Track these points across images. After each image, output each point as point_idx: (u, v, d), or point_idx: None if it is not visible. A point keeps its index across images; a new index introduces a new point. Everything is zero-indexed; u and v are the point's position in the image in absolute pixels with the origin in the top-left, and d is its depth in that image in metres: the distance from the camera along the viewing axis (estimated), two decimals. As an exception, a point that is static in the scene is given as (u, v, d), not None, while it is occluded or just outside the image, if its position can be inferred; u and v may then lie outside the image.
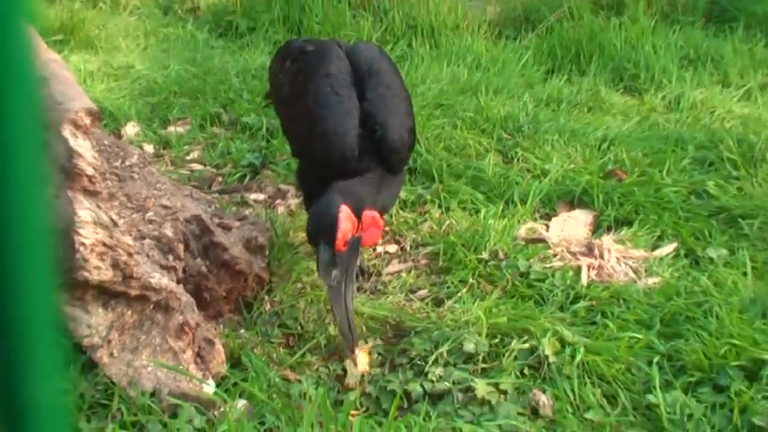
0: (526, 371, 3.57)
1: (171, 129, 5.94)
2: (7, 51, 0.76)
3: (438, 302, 4.11)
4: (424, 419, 3.25)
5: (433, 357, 3.61)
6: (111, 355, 3.37)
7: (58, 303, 0.78)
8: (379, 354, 3.75)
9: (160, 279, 3.45)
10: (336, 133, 3.85)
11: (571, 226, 4.70)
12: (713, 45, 7.48)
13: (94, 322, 3.36)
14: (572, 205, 4.90)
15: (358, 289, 4.19)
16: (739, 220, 4.64)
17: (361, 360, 3.70)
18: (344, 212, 3.55)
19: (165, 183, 4.05)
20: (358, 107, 3.93)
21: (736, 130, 5.61)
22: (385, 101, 3.97)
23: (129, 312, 3.41)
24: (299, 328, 3.86)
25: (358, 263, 4.13)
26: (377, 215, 3.73)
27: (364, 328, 3.90)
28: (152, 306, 3.44)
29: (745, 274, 4.13)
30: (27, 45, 0.76)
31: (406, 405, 3.47)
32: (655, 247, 4.50)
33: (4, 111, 0.77)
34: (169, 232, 3.69)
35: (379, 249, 4.47)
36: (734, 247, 4.43)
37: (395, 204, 4.52)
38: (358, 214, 3.61)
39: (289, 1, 8.28)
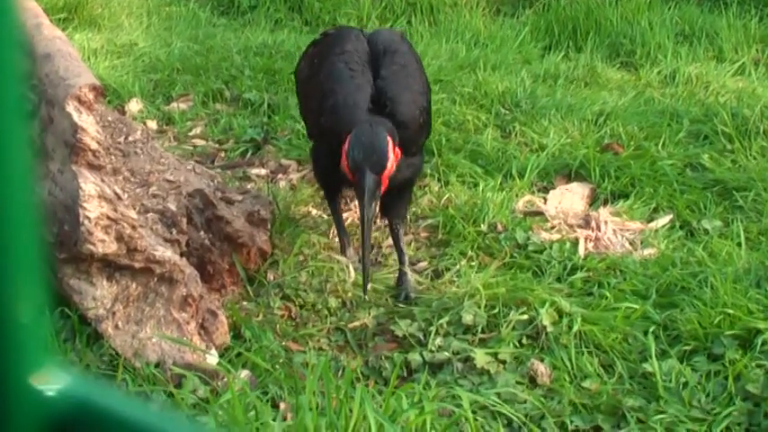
0: (524, 341, 3.58)
1: (174, 105, 5.93)
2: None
3: (437, 274, 4.11)
4: (424, 388, 3.25)
5: (432, 328, 3.61)
6: (116, 326, 3.38)
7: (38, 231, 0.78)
8: (379, 324, 3.76)
9: (164, 252, 3.45)
10: (346, 106, 3.79)
11: (568, 199, 4.69)
12: (708, 21, 7.44)
13: (99, 294, 3.37)
14: (569, 178, 4.89)
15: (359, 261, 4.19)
16: (733, 192, 4.64)
17: None
18: (390, 143, 3.52)
19: (168, 158, 4.05)
20: (371, 84, 3.85)
21: (730, 104, 5.60)
22: (398, 78, 3.91)
23: (134, 285, 3.42)
24: (300, 299, 3.86)
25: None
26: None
27: (366, 298, 3.90)
28: (156, 279, 3.44)
29: (739, 244, 4.13)
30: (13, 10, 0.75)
31: (406, 375, 3.48)
32: (650, 219, 4.50)
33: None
34: (172, 206, 3.69)
35: (380, 223, 4.47)
36: (728, 219, 4.43)
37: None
38: (394, 146, 3.57)
39: (290, -21, 8.25)
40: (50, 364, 0.80)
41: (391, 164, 3.51)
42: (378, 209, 3.70)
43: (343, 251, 4.14)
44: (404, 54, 4.06)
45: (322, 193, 4.42)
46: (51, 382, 0.80)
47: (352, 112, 3.75)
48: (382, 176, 3.50)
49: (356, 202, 4.01)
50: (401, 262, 4.01)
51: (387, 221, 4.12)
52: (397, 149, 3.59)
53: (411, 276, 3.99)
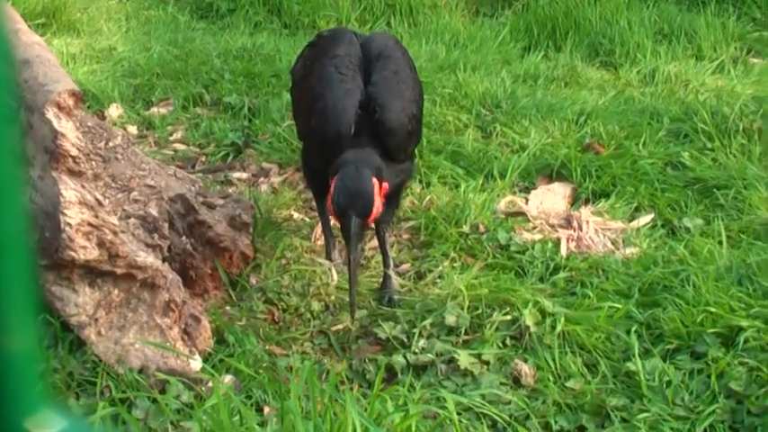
0: (508, 341, 3.59)
1: (154, 110, 5.92)
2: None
3: (420, 276, 4.12)
4: (409, 390, 3.25)
5: (416, 330, 3.62)
6: (99, 333, 3.37)
7: (31, 263, 0.77)
8: (362, 327, 3.76)
9: (146, 257, 3.44)
10: (334, 110, 3.77)
11: (550, 199, 4.70)
12: (687, 19, 7.47)
13: (81, 301, 3.36)
14: (551, 178, 4.91)
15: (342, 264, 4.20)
16: (714, 190, 4.66)
17: None
18: (376, 187, 3.50)
19: (149, 163, 4.04)
20: (362, 89, 3.83)
21: (710, 102, 5.62)
22: (389, 84, 3.88)
23: (116, 291, 3.41)
24: (283, 303, 3.86)
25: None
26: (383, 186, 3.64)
27: (348, 300, 3.91)
28: (138, 284, 3.43)
29: (720, 242, 4.14)
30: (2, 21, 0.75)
31: (390, 377, 3.48)
32: (632, 218, 4.52)
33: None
34: (154, 211, 3.68)
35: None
36: (709, 217, 4.45)
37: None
38: (380, 186, 3.54)
39: (269, -18, 8.25)
40: (47, 408, 0.79)
41: (377, 208, 3.51)
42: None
43: (328, 253, 4.15)
44: (396, 60, 4.04)
45: (309, 194, 4.42)
46: (47, 426, 0.79)
47: (340, 117, 3.74)
48: (368, 220, 3.51)
49: None
50: (386, 265, 4.01)
51: (373, 225, 4.12)
52: (384, 185, 3.58)
53: (395, 279, 3.99)
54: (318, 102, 3.85)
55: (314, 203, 4.57)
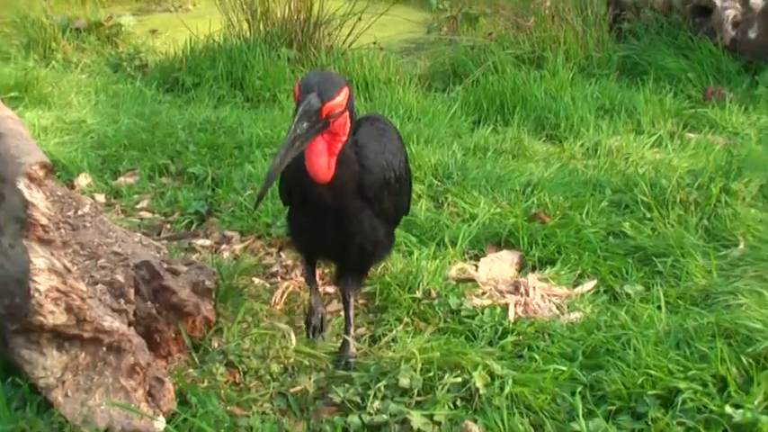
0: (458, 403, 3.58)
1: (121, 179, 5.93)
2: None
3: (375, 339, 4.12)
4: (364, 450, 3.25)
5: (371, 392, 3.61)
6: (66, 395, 3.35)
7: None
8: (319, 388, 3.75)
9: (112, 322, 3.44)
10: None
11: (498, 266, 4.73)
12: (627, 96, 7.58)
13: (49, 364, 3.34)
14: (499, 246, 4.94)
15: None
16: (653, 258, 4.70)
17: None
18: (347, 90, 3.40)
19: (116, 231, 4.04)
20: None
21: (649, 174, 5.68)
22: (371, 133, 3.80)
23: (83, 354, 3.39)
24: (244, 365, 3.85)
25: None
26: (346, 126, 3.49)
27: (306, 363, 3.90)
28: (105, 348, 3.42)
29: (659, 308, 4.18)
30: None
31: (346, 437, 3.48)
32: (576, 285, 4.55)
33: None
34: (120, 277, 3.68)
35: (319, 290, 4.47)
36: (649, 284, 4.50)
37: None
38: (350, 106, 3.44)
39: (231, 58, 8.30)
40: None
41: (336, 102, 3.35)
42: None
43: (312, 310, 4.13)
44: (384, 123, 4.01)
45: (270, 260, 4.43)
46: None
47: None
48: (323, 106, 3.34)
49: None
50: (347, 331, 4.01)
51: (339, 290, 4.12)
52: (349, 101, 3.43)
53: (354, 345, 3.99)
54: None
55: (274, 269, 4.60)
